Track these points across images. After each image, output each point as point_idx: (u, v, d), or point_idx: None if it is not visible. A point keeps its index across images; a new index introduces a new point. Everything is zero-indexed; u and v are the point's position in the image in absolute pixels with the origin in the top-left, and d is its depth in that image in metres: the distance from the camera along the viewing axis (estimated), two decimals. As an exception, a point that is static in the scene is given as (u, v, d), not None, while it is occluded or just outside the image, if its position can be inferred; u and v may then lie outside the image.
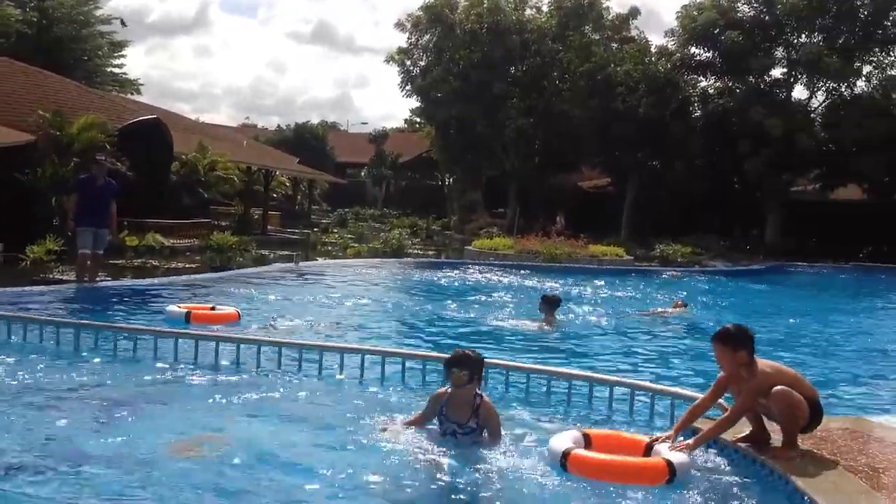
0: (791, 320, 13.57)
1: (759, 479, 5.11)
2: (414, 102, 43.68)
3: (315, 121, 68.50)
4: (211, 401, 6.60)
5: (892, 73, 32.64)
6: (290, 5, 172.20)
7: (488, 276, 18.33)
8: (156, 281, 13.99)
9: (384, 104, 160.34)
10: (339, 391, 7.13)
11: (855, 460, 5.14)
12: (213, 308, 10.50)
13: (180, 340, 8.04)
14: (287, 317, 10.96)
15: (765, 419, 5.51)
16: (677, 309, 13.59)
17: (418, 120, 54.79)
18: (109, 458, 5.07)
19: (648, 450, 5.36)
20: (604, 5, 37.38)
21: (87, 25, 43.01)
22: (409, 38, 38.50)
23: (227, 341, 8.04)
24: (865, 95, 32.51)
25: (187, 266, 17.41)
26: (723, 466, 5.42)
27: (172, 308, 10.22)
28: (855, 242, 31.14)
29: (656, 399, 6.71)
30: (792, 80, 33.43)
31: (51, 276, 14.00)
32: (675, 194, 34.70)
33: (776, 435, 5.45)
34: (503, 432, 5.71)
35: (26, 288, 11.74)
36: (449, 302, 13.69)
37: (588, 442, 5.41)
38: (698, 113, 34.87)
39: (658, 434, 5.66)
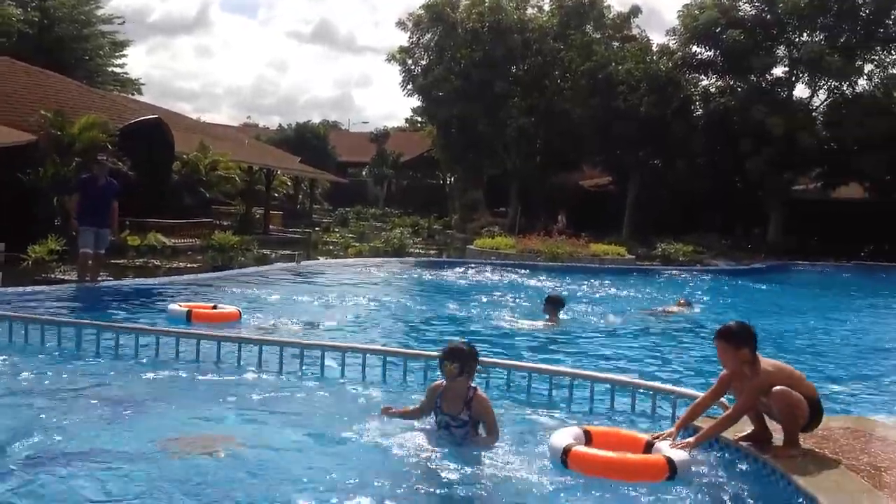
0: (792, 319, 13.57)
1: (761, 478, 5.11)
2: (415, 101, 43.82)
3: (316, 120, 68.74)
4: (212, 400, 6.60)
5: (894, 71, 32.67)
6: (290, 5, 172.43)
7: (490, 275, 18.33)
8: (157, 280, 13.99)
9: (385, 103, 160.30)
10: (340, 390, 7.13)
11: (857, 459, 5.13)
12: (214, 307, 10.50)
13: (182, 339, 8.05)
14: (288, 316, 10.95)
15: (766, 418, 5.50)
16: (680, 308, 13.59)
17: (420, 119, 54.83)
18: (110, 457, 5.07)
19: (649, 447, 5.36)
20: (605, 4, 37.43)
21: (88, 25, 43.06)
22: (410, 37, 38.55)
23: (229, 341, 8.04)
24: (867, 94, 32.52)
25: (189, 266, 17.41)
26: (724, 465, 5.41)
27: (174, 307, 10.23)
28: (856, 241, 31.15)
29: (658, 397, 6.70)
30: (793, 78, 33.42)
31: (53, 275, 14.01)
32: (676, 193, 34.70)
33: (778, 434, 5.44)
34: (502, 430, 5.70)
35: (28, 288, 11.74)
36: (451, 301, 13.69)
37: (589, 439, 5.41)
38: (700, 112, 34.89)
39: (660, 432, 5.67)
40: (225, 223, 27.53)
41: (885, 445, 5.53)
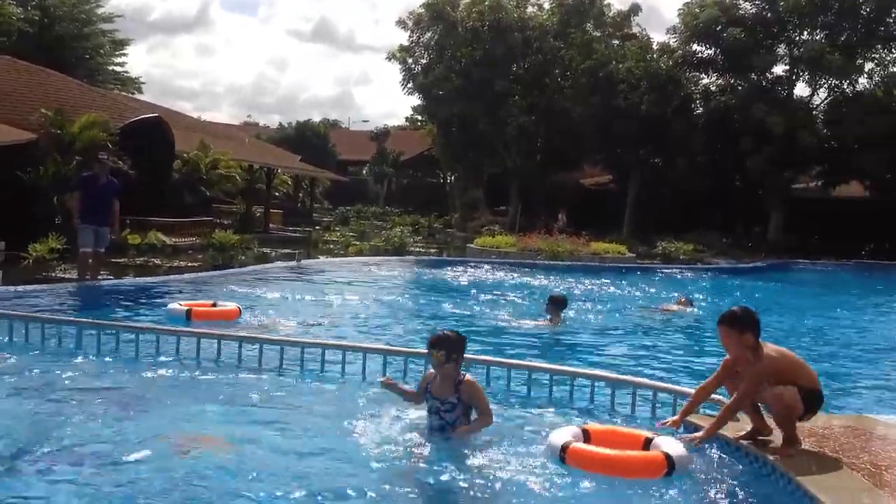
0: (793, 317, 13.57)
1: (761, 477, 5.11)
2: (415, 100, 43.81)
3: (316, 119, 68.63)
4: (212, 399, 6.60)
5: (894, 69, 32.63)
6: (290, 3, 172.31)
7: (490, 274, 18.33)
8: (158, 279, 13.99)
9: (386, 102, 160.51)
10: (340, 389, 7.13)
11: (857, 458, 5.13)
12: (214, 305, 10.51)
13: (182, 338, 8.05)
14: (289, 315, 10.96)
15: (766, 416, 5.50)
16: (681, 306, 13.58)
17: (420, 118, 54.86)
18: (110, 456, 5.07)
19: (648, 443, 5.36)
20: (605, 2, 37.48)
21: (88, 24, 43.05)
22: (410, 36, 38.56)
23: (229, 339, 8.04)
24: (867, 92, 32.54)
25: (189, 264, 17.41)
26: (724, 464, 5.41)
27: (174, 306, 10.23)
28: (857, 239, 31.15)
29: (658, 396, 6.70)
30: (794, 77, 33.43)
31: (53, 274, 14.02)
32: (676, 191, 34.70)
33: (777, 432, 5.44)
34: (498, 420, 5.75)
35: (29, 287, 11.75)
36: (452, 300, 13.68)
37: (587, 436, 5.42)
38: (700, 110, 34.91)
39: (664, 420, 5.72)
40: (225, 222, 27.55)
41: (885, 444, 5.53)
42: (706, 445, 5.56)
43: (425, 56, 38.56)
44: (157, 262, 17.41)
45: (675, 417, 5.79)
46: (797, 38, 32.97)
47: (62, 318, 8.92)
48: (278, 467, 5.06)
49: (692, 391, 6.47)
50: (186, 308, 9.97)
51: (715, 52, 33.79)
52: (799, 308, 15.45)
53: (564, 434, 5.35)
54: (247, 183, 31.70)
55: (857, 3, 31.55)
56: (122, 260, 16.95)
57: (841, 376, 8.81)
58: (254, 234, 24.74)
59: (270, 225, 32.65)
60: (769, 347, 5.39)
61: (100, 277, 13.21)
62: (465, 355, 5.85)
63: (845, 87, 32.58)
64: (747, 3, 33.32)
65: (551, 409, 6.72)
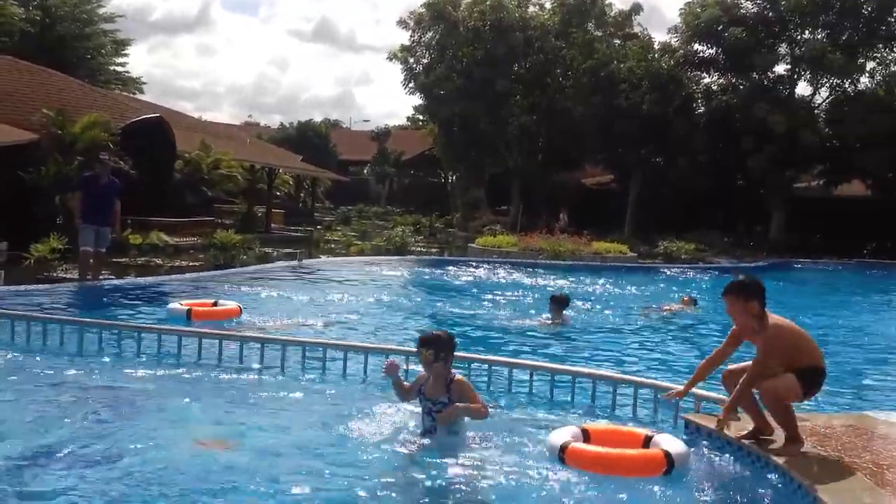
0: (794, 317, 13.54)
1: (762, 476, 5.10)
2: (417, 100, 43.81)
3: (318, 118, 68.75)
4: (213, 399, 6.61)
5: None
6: (291, 3, 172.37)
7: (492, 273, 18.32)
8: (159, 279, 13.99)
9: (387, 102, 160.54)
10: (342, 388, 7.13)
11: (859, 457, 5.13)
12: (215, 303, 10.51)
13: (183, 338, 8.06)
14: (290, 314, 10.96)
15: (767, 416, 5.50)
16: (684, 305, 13.56)
17: (421, 117, 54.87)
18: (111, 456, 5.07)
19: (647, 442, 5.36)
20: (606, 2, 37.41)
21: (90, 24, 43.02)
22: (411, 36, 38.53)
23: (231, 339, 8.05)
24: (869, 91, 32.51)
25: (191, 264, 17.41)
26: (725, 463, 5.41)
27: (174, 305, 10.24)
28: (859, 238, 31.13)
29: (660, 395, 6.69)
30: (795, 76, 33.40)
31: (55, 274, 14.02)
32: (678, 191, 34.67)
33: (779, 431, 5.44)
34: (496, 416, 5.76)
35: (31, 286, 11.76)
36: (453, 300, 13.68)
37: (587, 436, 5.42)
38: (701, 109, 34.89)
39: (672, 389, 5.89)
40: (227, 222, 27.54)
41: (887, 443, 5.52)
42: (707, 444, 5.57)
43: (426, 56, 38.55)
44: (159, 261, 17.41)
45: (681, 388, 5.87)
46: (799, 37, 32.94)
47: (63, 318, 8.92)
48: (279, 467, 5.06)
49: (694, 391, 6.48)
50: (187, 307, 9.97)
51: (716, 52, 33.76)
52: (800, 307, 15.38)
53: (564, 434, 5.35)
54: (248, 183, 31.70)
55: (859, 2, 31.51)
56: (124, 260, 16.95)
57: (842, 375, 8.79)
58: (255, 234, 24.75)
59: (272, 225, 32.66)
60: (774, 317, 5.39)
61: (101, 277, 13.21)
62: (455, 354, 5.86)
63: (847, 86, 32.54)
64: (749, 2, 33.32)
65: (552, 409, 6.72)
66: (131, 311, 10.75)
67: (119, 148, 19.32)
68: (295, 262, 17.23)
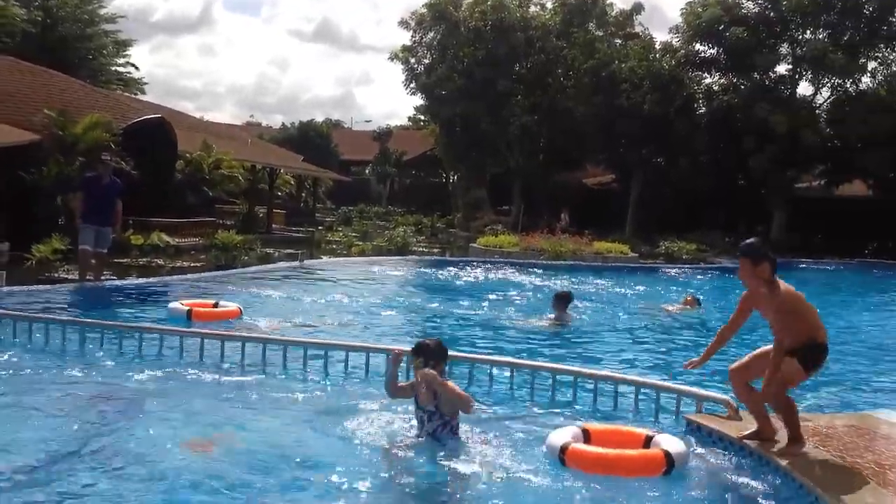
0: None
1: (764, 476, 5.10)
2: (418, 100, 43.81)
3: (319, 119, 68.66)
4: (214, 399, 6.62)
5: (897, 68, 32.57)
6: (292, 3, 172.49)
7: (494, 273, 18.31)
8: (161, 279, 14.00)
9: (388, 102, 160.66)
10: (344, 389, 7.13)
11: (861, 457, 5.13)
12: (215, 305, 10.51)
13: (185, 338, 8.06)
14: (292, 315, 10.96)
15: (772, 417, 5.50)
16: (688, 305, 13.54)
17: (422, 117, 54.82)
18: (112, 456, 5.08)
19: (648, 442, 5.36)
20: (607, 2, 37.40)
21: (91, 24, 43.02)
22: (412, 36, 38.54)
23: (232, 339, 8.05)
24: (870, 91, 32.44)
25: (192, 265, 17.42)
26: (727, 463, 5.41)
27: (175, 305, 10.24)
28: (860, 239, 31.10)
29: (661, 395, 6.70)
30: (797, 76, 33.36)
31: (57, 275, 14.03)
32: (679, 191, 34.64)
33: (781, 432, 5.44)
34: (498, 418, 5.87)
35: (32, 287, 11.76)
36: (455, 300, 13.68)
37: (587, 436, 5.42)
38: (703, 109, 34.86)
39: (691, 359, 5.96)
40: (228, 222, 27.55)
41: (889, 443, 5.53)
42: (708, 443, 5.57)
43: (428, 56, 38.55)
44: (161, 262, 17.42)
45: (698, 359, 5.92)
46: (800, 37, 32.89)
47: (66, 319, 8.93)
48: (281, 467, 5.07)
49: (696, 391, 6.50)
50: (187, 308, 9.98)
51: (718, 52, 33.72)
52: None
53: (564, 435, 5.35)
54: (249, 183, 31.69)
55: (860, 2, 31.45)
56: (126, 260, 16.95)
57: (844, 375, 8.79)
58: (257, 235, 24.75)
59: (273, 225, 32.65)
60: (785, 285, 5.42)
61: (103, 278, 13.21)
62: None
63: (848, 86, 32.48)
64: (750, 2, 33.25)
65: (554, 409, 6.72)
66: (132, 312, 10.76)
67: (121, 148, 19.32)
68: (296, 263, 17.23)
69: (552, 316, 11.39)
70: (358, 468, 5.09)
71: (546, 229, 26.16)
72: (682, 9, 34.27)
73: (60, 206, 17.29)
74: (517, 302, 13.59)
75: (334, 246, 26.42)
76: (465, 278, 17.45)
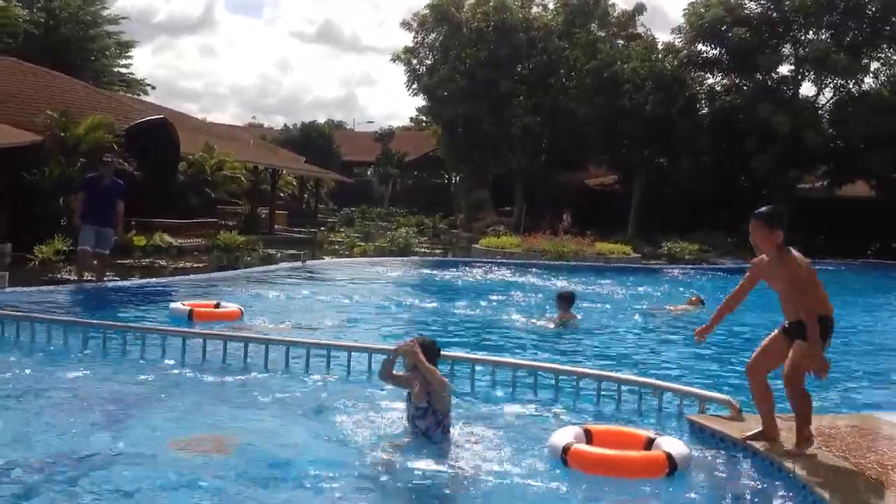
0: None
1: (766, 476, 5.09)
2: (420, 101, 43.78)
3: (321, 120, 68.73)
4: (216, 399, 6.62)
5: (900, 69, 32.55)
6: (294, 5, 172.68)
7: (496, 274, 18.32)
8: (163, 280, 14.01)
9: (390, 103, 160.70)
10: (345, 389, 7.12)
11: (864, 458, 5.12)
12: (217, 305, 10.52)
13: (187, 338, 8.07)
14: (294, 315, 10.96)
15: (777, 418, 5.48)
16: (692, 305, 13.52)
17: (424, 118, 54.84)
18: (114, 457, 5.08)
19: (650, 444, 5.35)
20: (609, 2, 37.39)
21: (94, 26, 43.10)
22: (415, 37, 38.54)
23: (235, 340, 8.06)
24: (873, 92, 32.43)
25: (195, 265, 17.44)
26: (729, 463, 5.40)
27: (176, 305, 10.25)
28: (863, 239, 31.08)
29: (664, 396, 6.69)
30: (799, 76, 33.35)
31: (59, 276, 14.04)
32: (682, 192, 34.62)
33: (785, 433, 5.43)
34: (500, 417, 5.77)
35: (35, 288, 11.77)
36: (458, 300, 13.67)
37: (589, 437, 5.41)
38: (705, 110, 34.85)
39: (700, 326, 5.96)
40: (230, 223, 27.57)
41: (891, 444, 5.51)
42: (709, 443, 5.56)
43: (430, 57, 38.55)
44: (163, 263, 17.44)
45: (705, 326, 5.95)
46: (803, 37, 32.89)
47: (68, 319, 8.94)
48: (282, 467, 5.06)
49: (698, 391, 6.49)
50: (189, 308, 9.98)
51: (720, 52, 33.71)
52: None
53: (566, 435, 5.34)
54: (252, 184, 31.72)
55: (863, 2, 31.45)
56: (128, 261, 16.97)
57: (847, 375, 8.78)
58: (259, 235, 24.77)
59: (275, 226, 32.68)
60: (796, 253, 5.42)
61: (105, 279, 13.21)
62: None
63: (851, 86, 32.47)
64: (752, 2, 33.24)
65: (556, 409, 6.71)
66: (133, 312, 10.76)
67: (123, 149, 19.34)
68: (298, 264, 17.25)
69: (555, 316, 11.38)
70: (358, 468, 5.08)
71: (548, 230, 26.15)
72: (684, 9, 34.32)
73: (62, 206, 17.31)
74: (519, 302, 13.58)
75: (336, 247, 26.42)
76: (467, 279, 17.45)
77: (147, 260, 17.70)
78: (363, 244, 25.61)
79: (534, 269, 19.09)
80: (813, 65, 31.75)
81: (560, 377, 7.17)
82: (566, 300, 11.47)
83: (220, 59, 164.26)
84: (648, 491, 4.94)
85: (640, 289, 16.75)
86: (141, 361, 7.76)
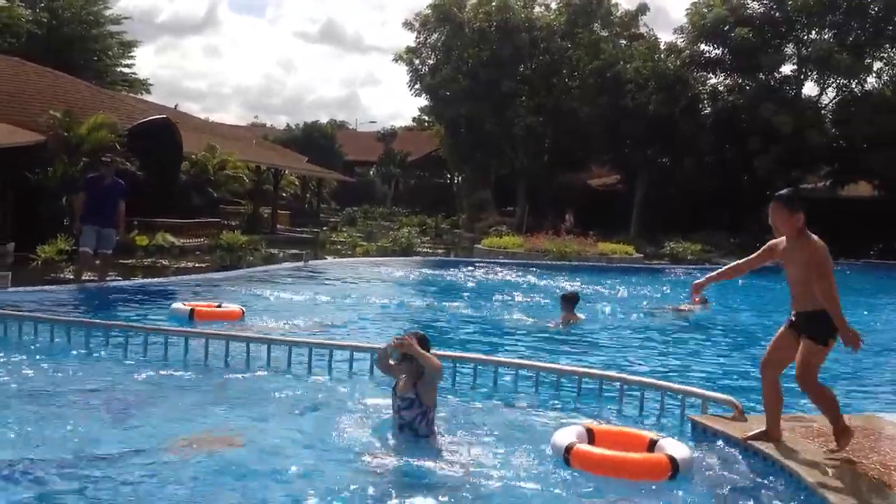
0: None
1: (768, 477, 5.08)
2: (423, 101, 43.73)
3: (323, 119, 68.77)
4: (218, 399, 6.62)
5: (903, 68, 32.50)
6: (297, 5, 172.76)
7: (498, 274, 18.31)
8: (166, 280, 14.02)
9: (392, 103, 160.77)
10: (346, 389, 7.12)
11: (867, 458, 5.11)
12: (218, 306, 10.52)
13: (190, 339, 8.07)
14: (296, 315, 10.96)
15: (782, 419, 5.48)
16: (696, 305, 13.49)
17: (427, 118, 54.78)
18: (116, 457, 5.08)
19: (652, 445, 5.34)
20: (612, 2, 37.34)
21: (96, 25, 43.13)
22: (417, 37, 38.52)
23: (237, 340, 8.06)
24: (876, 92, 32.39)
25: (197, 265, 17.45)
26: (731, 464, 5.39)
27: (177, 305, 10.26)
28: (866, 239, 30.99)
29: (667, 396, 6.69)
30: (802, 76, 33.32)
31: (62, 275, 14.05)
32: (684, 192, 34.59)
33: (787, 433, 5.42)
34: (500, 417, 5.74)
35: (38, 287, 11.78)
36: (460, 300, 13.67)
37: (591, 437, 5.40)
38: (708, 110, 34.80)
39: (691, 303, 5.81)
40: (233, 223, 27.62)
41: (894, 444, 5.50)
42: (711, 443, 5.56)
43: (432, 57, 38.54)
44: (165, 263, 17.46)
45: (703, 280, 6.02)
46: (805, 37, 32.86)
47: (71, 319, 8.95)
48: (283, 467, 5.06)
49: (700, 391, 6.48)
50: (190, 308, 9.99)
51: (723, 52, 33.69)
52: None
53: (569, 434, 5.33)
54: (254, 184, 31.76)
55: (866, 2, 31.41)
56: (131, 261, 16.99)
57: (849, 376, 8.77)
58: (261, 235, 24.78)
59: (278, 226, 32.70)
60: (817, 238, 5.41)
61: (108, 279, 13.21)
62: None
63: (854, 86, 32.44)
64: (755, 2, 33.19)
65: (558, 409, 6.71)
66: (139, 312, 10.77)
67: (126, 149, 19.36)
68: (301, 263, 17.25)
69: (559, 317, 11.38)
70: (359, 468, 5.08)
71: (551, 230, 26.16)
72: (687, 9, 34.29)
73: (66, 206, 17.33)
74: (522, 302, 13.57)
75: (339, 246, 26.43)
76: (469, 279, 17.44)
77: (149, 260, 17.72)
78: (365, 244, 25.61)
79: (536, 270, 19.08)
80: (816, 65, 31.72)
81: (562, 377, 7.16)
82: (569, 301, 11.47)
83: (223, 58, 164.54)
84: (650, 491, 4.93)
85: (642, 289, 16.73)
86: (143, 361, 7.77)
